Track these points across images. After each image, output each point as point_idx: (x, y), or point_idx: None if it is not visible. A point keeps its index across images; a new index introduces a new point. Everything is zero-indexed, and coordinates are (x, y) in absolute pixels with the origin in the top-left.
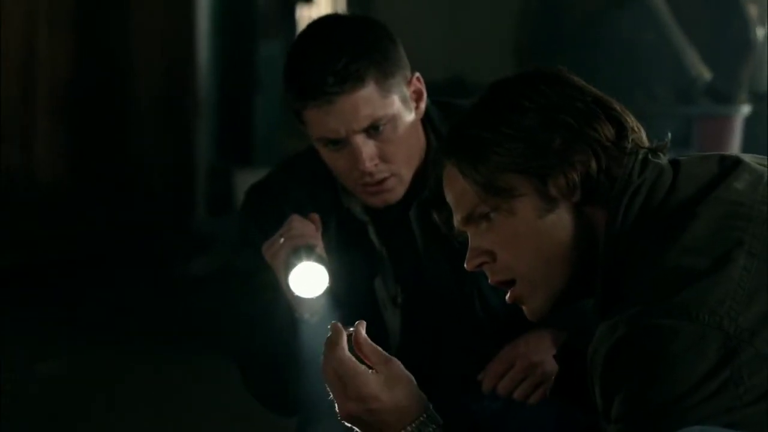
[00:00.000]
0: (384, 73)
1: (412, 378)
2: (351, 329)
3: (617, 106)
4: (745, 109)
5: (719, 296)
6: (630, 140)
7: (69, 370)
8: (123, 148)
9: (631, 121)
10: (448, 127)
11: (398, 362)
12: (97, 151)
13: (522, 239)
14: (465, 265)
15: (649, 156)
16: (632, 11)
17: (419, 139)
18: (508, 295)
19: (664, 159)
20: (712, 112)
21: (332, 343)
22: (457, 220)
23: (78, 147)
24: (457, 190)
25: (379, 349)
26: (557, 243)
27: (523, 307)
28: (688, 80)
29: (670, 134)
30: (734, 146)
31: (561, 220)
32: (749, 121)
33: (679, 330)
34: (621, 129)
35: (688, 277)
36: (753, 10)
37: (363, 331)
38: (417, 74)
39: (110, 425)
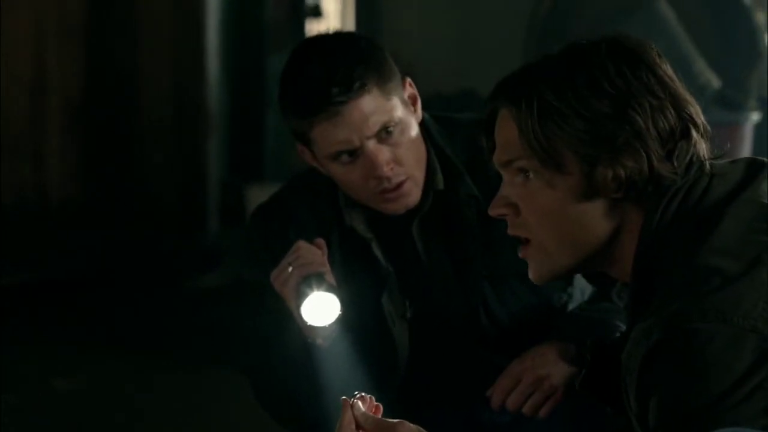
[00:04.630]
0: (383, 77)
1: (421, 431)
2: (357, 395)
3: (692, 110)
4: (755, 117)
5: (753, 299)
6: (690, 146)
7: (86, 385)
8: (134, 163)
9: (700, 123)
10: (448, 139)
11: (403, 423)
12: (108, 166)
13: (551, 213)
14: (489, 210)
15: (693, 159)
16: (641, 19)
17: (423, 145)
18: (520, 249)
19: (706, 162)
20: (721, 120)
21: (339, 423)
22: (497, 156)
23: (89, 162)
24: (508, 136)
25: (380, 419)
26: (583, 228)
27: (529, 266)
28: (696, 88)
29: (729, 144)
30: (744, 154)
31: (594, 210)
32: (759, 129)
33: (714, 334)
34: (685, 133)
35: (721, 279)
36: (761, 18)
37: (361, 408)
38: (408, 79)
39: None
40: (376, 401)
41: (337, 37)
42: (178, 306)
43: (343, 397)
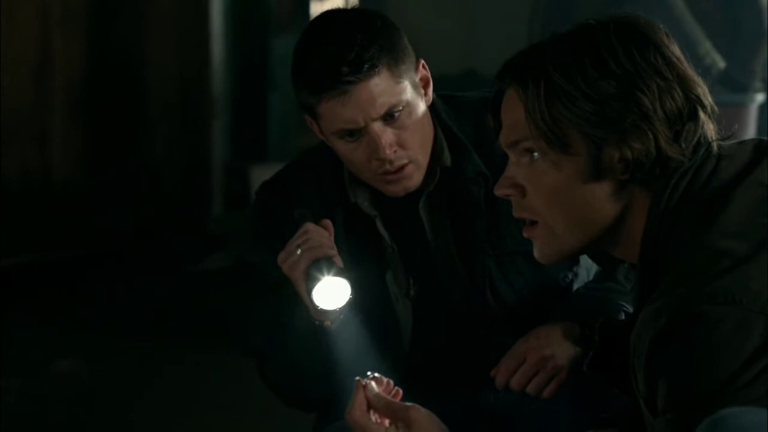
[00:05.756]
0: (395, 59)
1: (432, 417)
2: (369, 376)
3: (699, 91)
4: (760, 98)
5: (761, 281)
6: (698, 127)
7: (87, 367)
8: (139, 146)
9: (708, 104)
10: (455, 117)
11: (415, 408)
12: (113, 149)
13: (557, 195)
14: (494, 190)
15: (701, 140)
16: (646, 1)
17: (430, 127)
18: (524, 229)
19: (713, 144)
20: (726, 101)
21: (350, 403)
22: (503, 136)
23: (94, 145)
24: (515, 116)
25: (393, 402)
26: (590, 210)
27: (534, 246)
28: (701, 69)
29: (736, 126)
30: (749, 135)
31: (601, 191)
32: (763, 110)
33: (723, 316)
34: (693, 114)
35: (729, 261)
36: None
37: (375, 389)
38: (422, 61)
39: (128, 421)
40: None
41: (355, 13)
42: (182, 289)
43: (357, 378)
